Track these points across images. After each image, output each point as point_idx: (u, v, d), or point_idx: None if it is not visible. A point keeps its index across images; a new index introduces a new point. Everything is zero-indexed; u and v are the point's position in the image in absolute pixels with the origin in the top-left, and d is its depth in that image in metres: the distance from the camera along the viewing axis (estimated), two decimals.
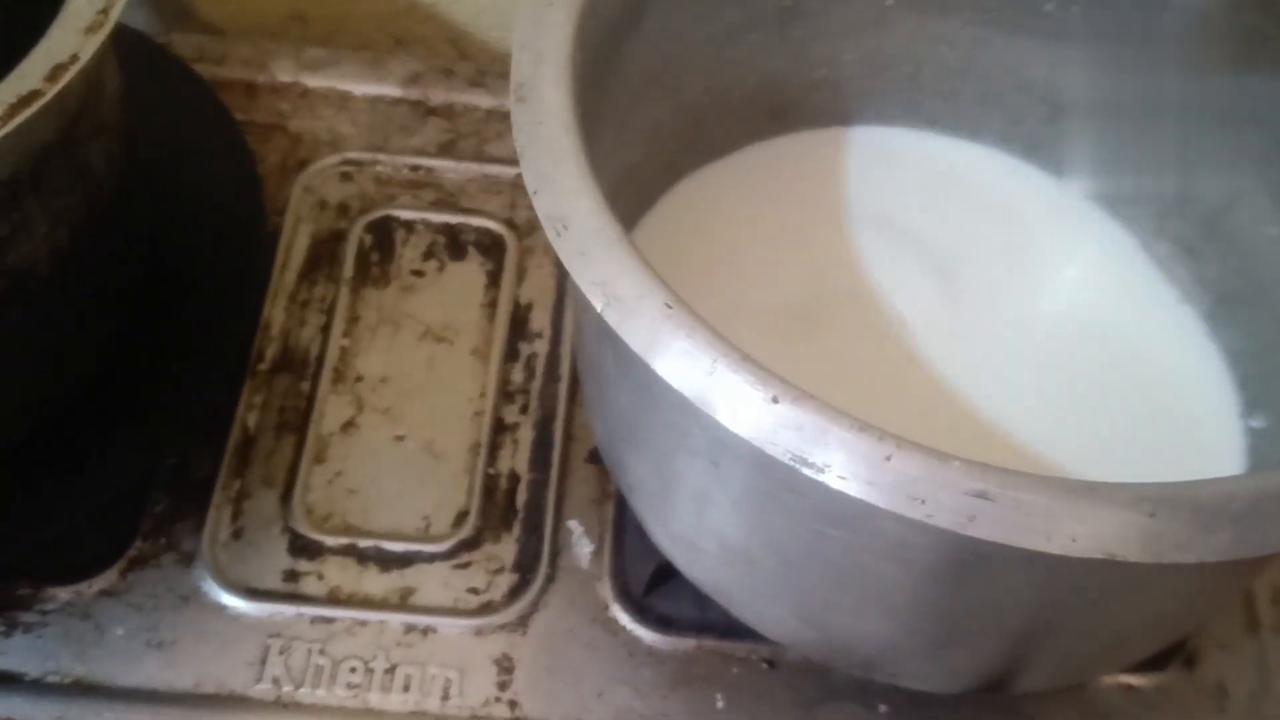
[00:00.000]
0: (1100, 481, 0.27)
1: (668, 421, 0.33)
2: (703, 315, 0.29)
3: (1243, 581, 0.37)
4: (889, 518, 0.29)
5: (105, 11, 0.33)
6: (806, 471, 0.27)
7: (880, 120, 0.50)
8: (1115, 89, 0.46)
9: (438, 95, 0.55)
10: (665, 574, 0.42)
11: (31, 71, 0.32)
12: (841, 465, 0.27)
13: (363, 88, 0.55)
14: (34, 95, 0.32)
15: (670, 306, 0.29)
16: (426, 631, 0.42)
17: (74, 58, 0.33)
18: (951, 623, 0.33)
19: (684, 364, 0.28)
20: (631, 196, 0.46)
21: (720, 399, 0.28)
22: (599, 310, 0.29)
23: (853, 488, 0.27)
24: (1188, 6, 0.42)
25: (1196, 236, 0.46)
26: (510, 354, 0.48)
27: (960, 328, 0.44)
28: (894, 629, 0.34)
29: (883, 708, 0.41)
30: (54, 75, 0.32)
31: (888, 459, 0.27)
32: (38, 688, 0.40)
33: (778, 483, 0.31)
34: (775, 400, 0.28)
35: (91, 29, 0.33)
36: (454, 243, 0.51)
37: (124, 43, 0.48)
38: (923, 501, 0.27)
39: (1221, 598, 0.36)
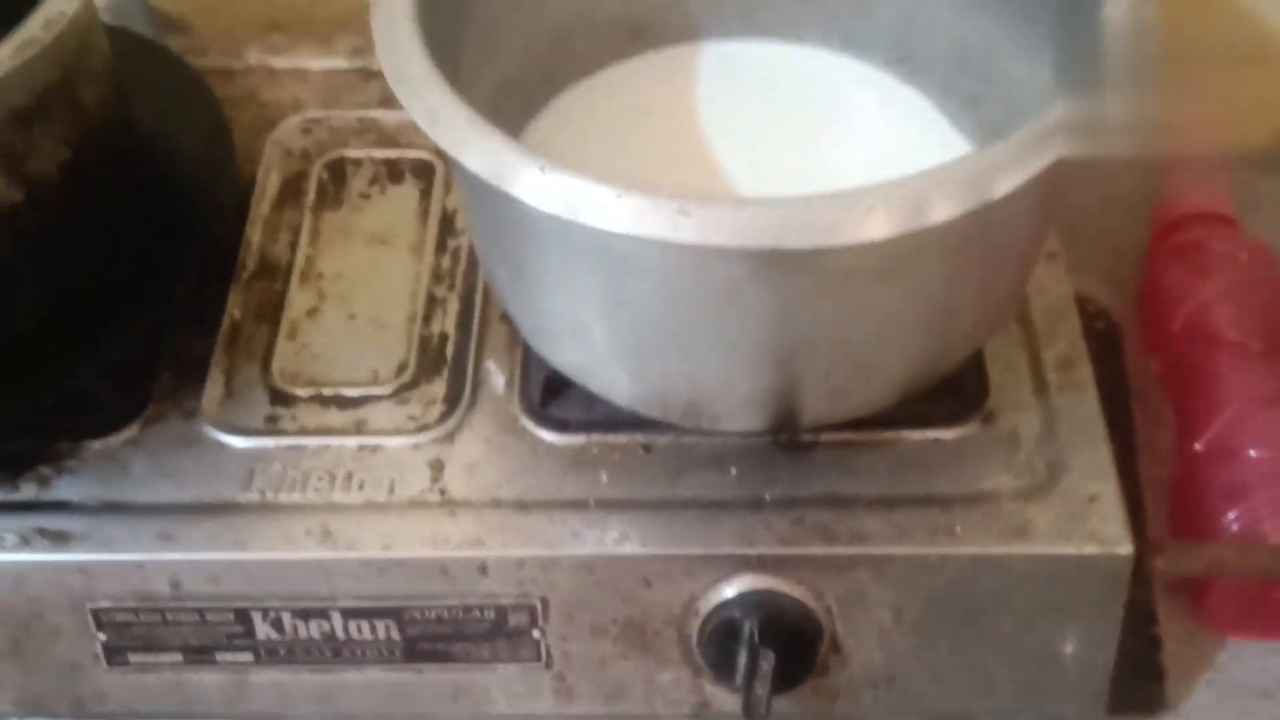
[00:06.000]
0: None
1: (498, 219, 0.44)
2: None
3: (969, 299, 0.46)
4: (647, 254, 0.40)
5: None
6: (568, 217, 0.38)
7: (724, 35, 0.60)
8: None
9: (377, 63, 0.67)
10: (555, 387, 0.53)
11: (32, 25, 0.45)
12: (589, 209, 0.38)
13: (317, 63, 0.68)
14: (33, 41, 0.45)
15: (471, 119, 0.40)
16: (375, 449, 0.53)
17: (62, 14, 0.46)
18: (729, 348, 0.43)
19: (480, 155, 0.40)
20: (513, 108, 0.57)
21: (509, 176, 0.39)
22: (424, 128, 0.41)
23: (596, 220, 0.38)
24: None
25: (974, 88, 0.56)
26: (440, 247, 0.60)
27: (780, 173, 0.55)
28: (690, 363, 0.45)
29: (733, 470, 0.51)
30: (48, 27, 0.45)
31: (619, 197, 0.38)
32: (79, 509, 0.52)
33: (572, 245, 0.42)
34: (543, 170, 0.39)
35: None
36: (393, 171, 0.63)
37: (125, 40, 0.62)
38: (644, 220, 0.38)
39: (967, 313, 0.46)
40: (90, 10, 0.49)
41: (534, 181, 0.39)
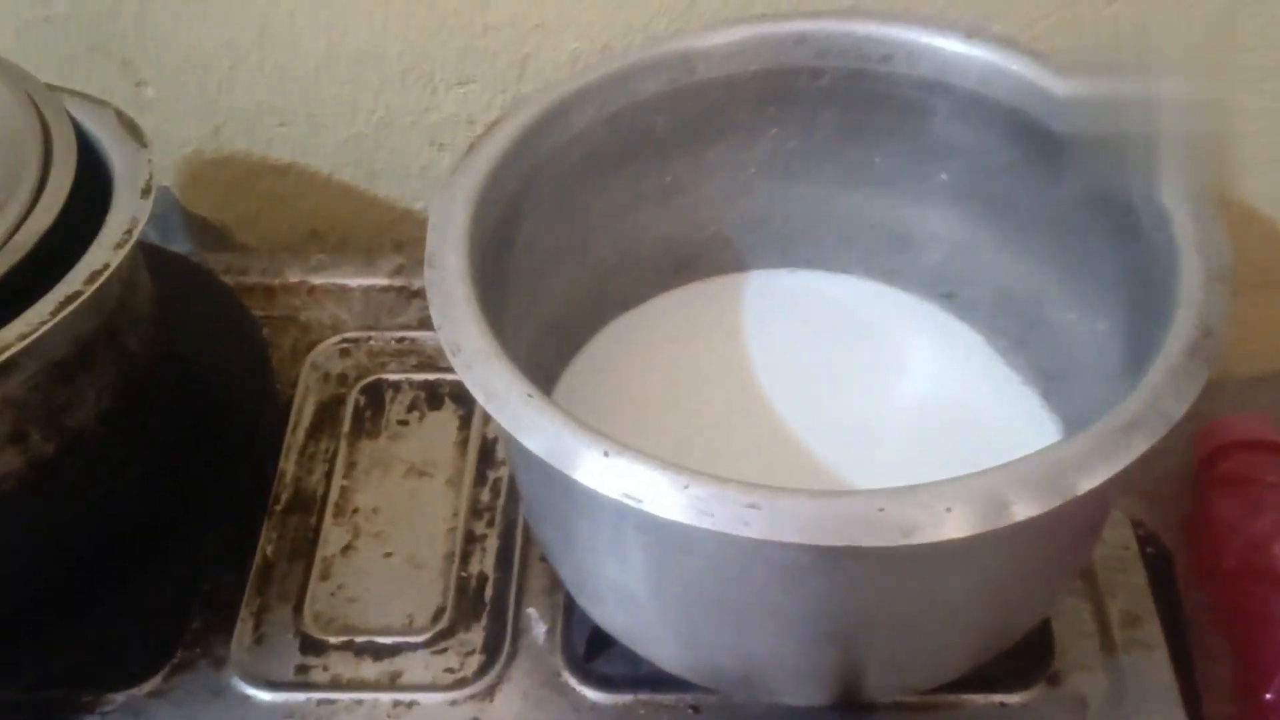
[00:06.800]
0: (848, 490, 0.37)
1: (550, 488, 0.43)
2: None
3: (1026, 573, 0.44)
4: (707, 538, 0.38)
5: (129, 233, 0.46)
6: (630, 503, 0.37)
7: (765, 265, 0.60)
8: (940, 220, 0.56)
9: (418, 281, 0.66)
10: (601, 641, 0.51)
11: (75, 278, 0.44)
12: (652, 497, 0.37)
13: (358, 280, 0.67)
14: (76, 295, 0.44)
15: (530, 396, 0.39)
16: (411, 705, 0.51)
17: (106, 266, 0.45)
18: (790, 628, 0.42)
19: (539, 435, 0.38)
20: (560, 343, 0.56)
21: (569, 459, 0.38)
22: (481, 403, 0.40)
23: (659, 509, 0.36)
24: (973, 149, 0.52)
25: (1021, 330, 0.55)
26: (479, 480, 0.59)
27: (834, 417, 0.53)
28: (746, 640, 0.43)
29: None
30: (91, 279, 0.44)
31: (686, 487, 0.36)
32: None
33: (628, 523, 0.40)
34: (606, 454, 0.38)
35: (119, 245, 0.45)
36: (432, 396, 0.62)
37: (166, 262, 0.62)
38: (711, 515, 0.36)
39: (1023, 591, 0.44)
40: (134, 257, 0.49)
41: (596, 466, 0.37)
